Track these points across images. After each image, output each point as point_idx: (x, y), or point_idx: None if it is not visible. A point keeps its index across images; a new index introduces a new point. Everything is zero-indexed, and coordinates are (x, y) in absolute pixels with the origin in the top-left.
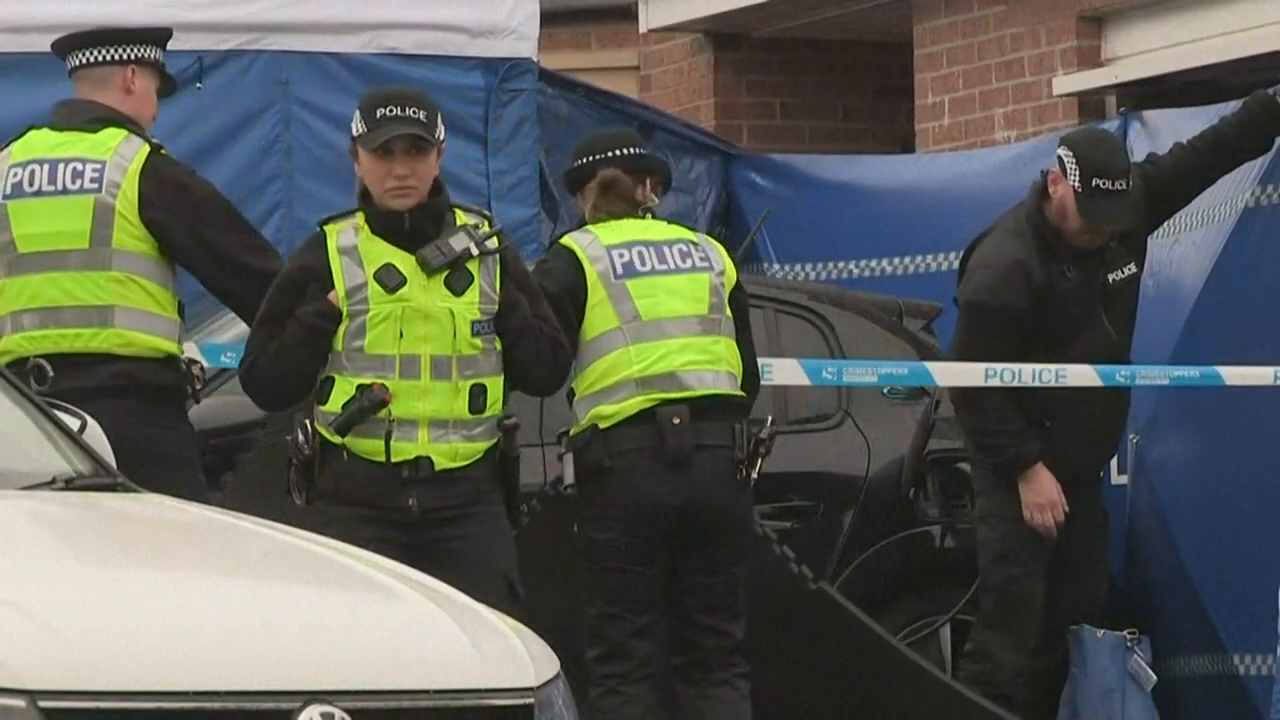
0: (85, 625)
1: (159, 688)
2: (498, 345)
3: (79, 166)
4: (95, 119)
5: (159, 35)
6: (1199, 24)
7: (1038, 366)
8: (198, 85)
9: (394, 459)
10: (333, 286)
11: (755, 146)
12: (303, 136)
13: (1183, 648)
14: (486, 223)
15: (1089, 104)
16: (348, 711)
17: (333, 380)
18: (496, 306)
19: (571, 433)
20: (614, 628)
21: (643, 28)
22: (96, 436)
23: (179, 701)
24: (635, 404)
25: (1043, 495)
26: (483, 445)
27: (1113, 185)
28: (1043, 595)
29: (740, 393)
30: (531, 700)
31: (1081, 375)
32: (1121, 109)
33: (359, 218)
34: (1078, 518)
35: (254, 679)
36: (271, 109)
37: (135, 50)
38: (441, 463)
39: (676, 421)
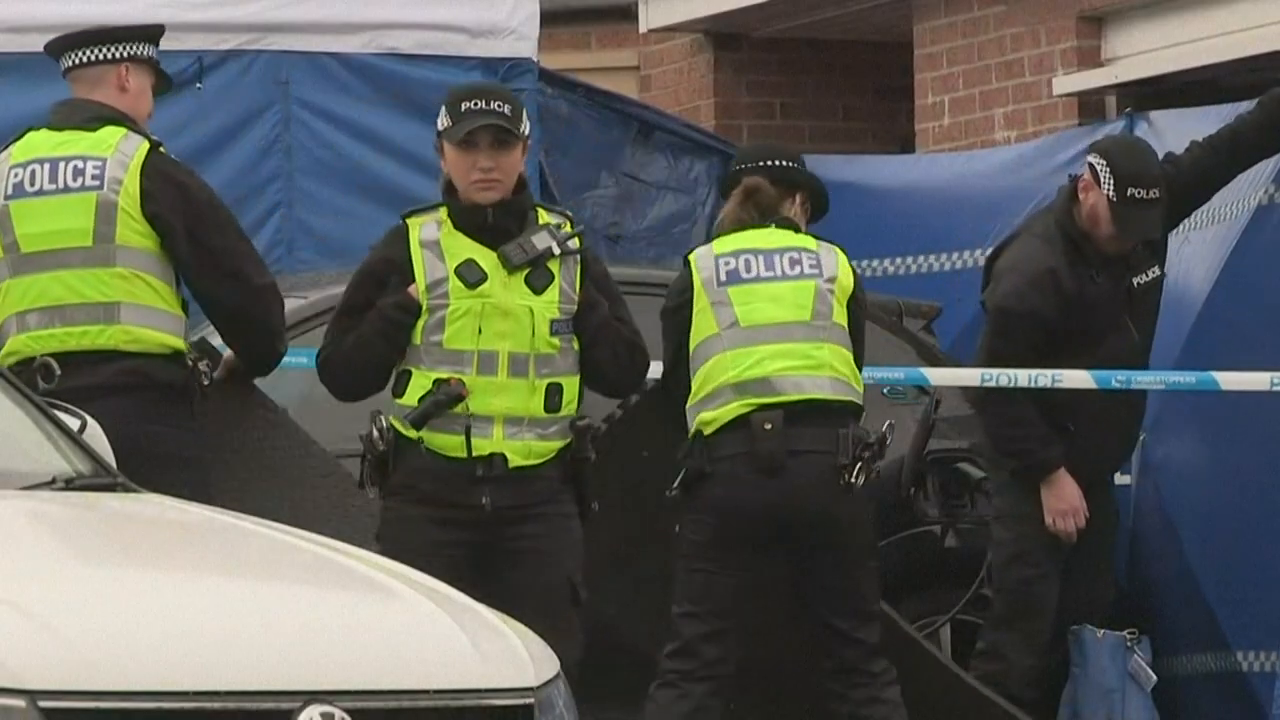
0: (85, 625)
1: (159, 688)
2: (575, 345)
3: (80, 164)
4: (93, 118)
5: (151, 32)
6: (1199, 24)
7: (1033, 371)
8: (198, 85)
9: (473, 454)
10: (413, 279)
11: None
12: (303, 136)
13: (1185, 645)
14: (568, 223)
15: (1089, 104)
16: (348, 711)
17: (409, 374)
18: (575, 306)
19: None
20: (689, 627)
21: (643, 28)
22: (96, 436)
23: (179, 701)
24: (732, 410)
25: (1065, 501)
26: (556, 445)
27: (1147, 194)
28: (1056, 597)
29: (847, 398)
30: (531, 700)
31: (1076, 379)
32: (1127, 110)
33: (442, 212)
34: (1090, 518)
35: (254, 679)
36: (271, 109)
37: (127, 48)
38: (515, 460)
39: (768, 427)
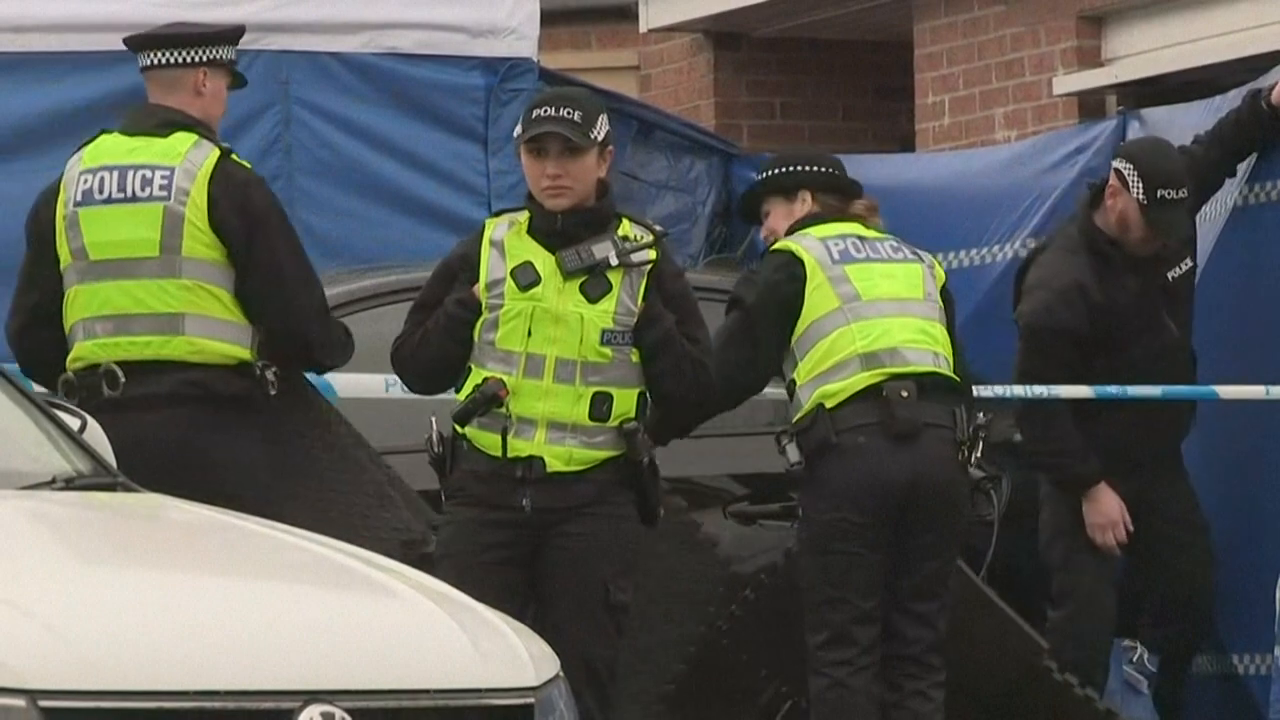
0: (85, 625)
1: (159, 687)
2: (634, 357)
3: (148, 174)
4: (164, 123)
5: (232, 35)
6: (1199, 24)
7: (1022, 387)
8: None
9: (509, 455)
10: (479, 278)
11: (755, 146)
12: (303, 136)
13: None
14: (651, 237)
15: (1089, 104)
16: (348, 711)
17: (470, 370)
18: (635, 319)
19: (795, 419)
20: (837, 613)
21: (643, 27)
22: (96, 436)
23: (179, 701)
24: (862, 380)
25: (1105, 515)
26: (603, 454)
27: (1176, 194)
28: (1113, 604)
29: (956, 378)
30: (531, 700)
31: (1075, 391)
32: (1120, 109)
33: (524, 214)
34: (1165, 505)
35: (254, 679)
36: (271, 109)
37: (208, 52)
38: (554, 465)
39: (904, 395)
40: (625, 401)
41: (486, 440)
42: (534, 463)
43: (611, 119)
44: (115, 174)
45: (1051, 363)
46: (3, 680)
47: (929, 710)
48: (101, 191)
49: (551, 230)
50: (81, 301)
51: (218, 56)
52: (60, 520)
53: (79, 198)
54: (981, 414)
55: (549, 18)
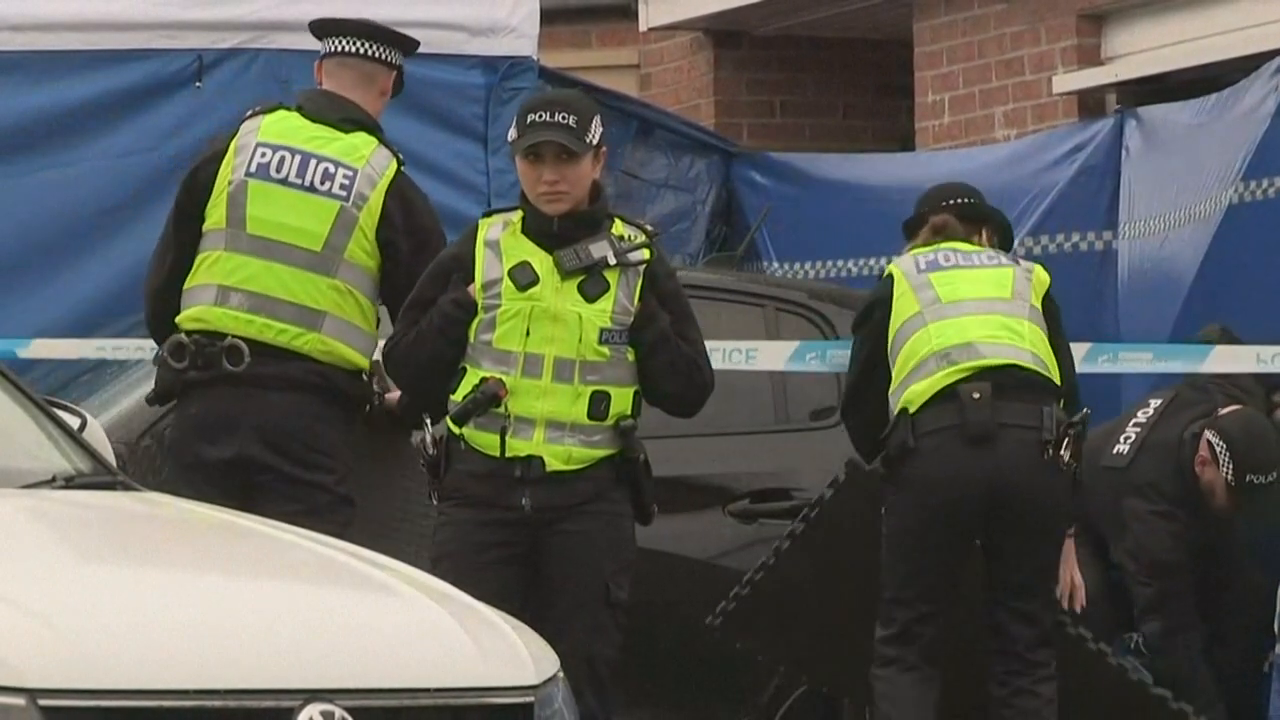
0: (85, 623)
1: (159, 686)
2: (630, 356)
3: (330, 168)
4: (347, 119)
5: (413, 45)
6: (1199, 22)
7: None
8: (197, 84)
9: (507, 455)
10: (474, 278)
11: (755, 144)
12: None
13: None
14: (644, 236)
15: (1089, 102)
16: (348, 710)
17: (464, 371)
18: (631, 318)
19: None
20: (902, 612)
21: (643, 26)
22: (96, 435)
23: (179, 700)
24: (938, 380)
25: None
26: (601, 452)
27: (1266, 479)
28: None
29: (1048, 375)
30: (531, 699)
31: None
32: (1118, 107)
33: (517, 214)
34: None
35: (254, 677)
36: None
37: (399, 55)
38: (553, 464)
39: (976, 397)
40: (622, 400)
41: (484, 440)
42: (533, 462)
43: (611, 118)
44: (297, 158)
45: (1184, 598)
46: (2, 679)
47: (1035, 706)
48: (279, 170)
49: (548, 233)
50: (223, 267)
51: (401, 63)
52: (60, 519)
53: (253, 169)
54: (1084, 409)
55: (549, 16)
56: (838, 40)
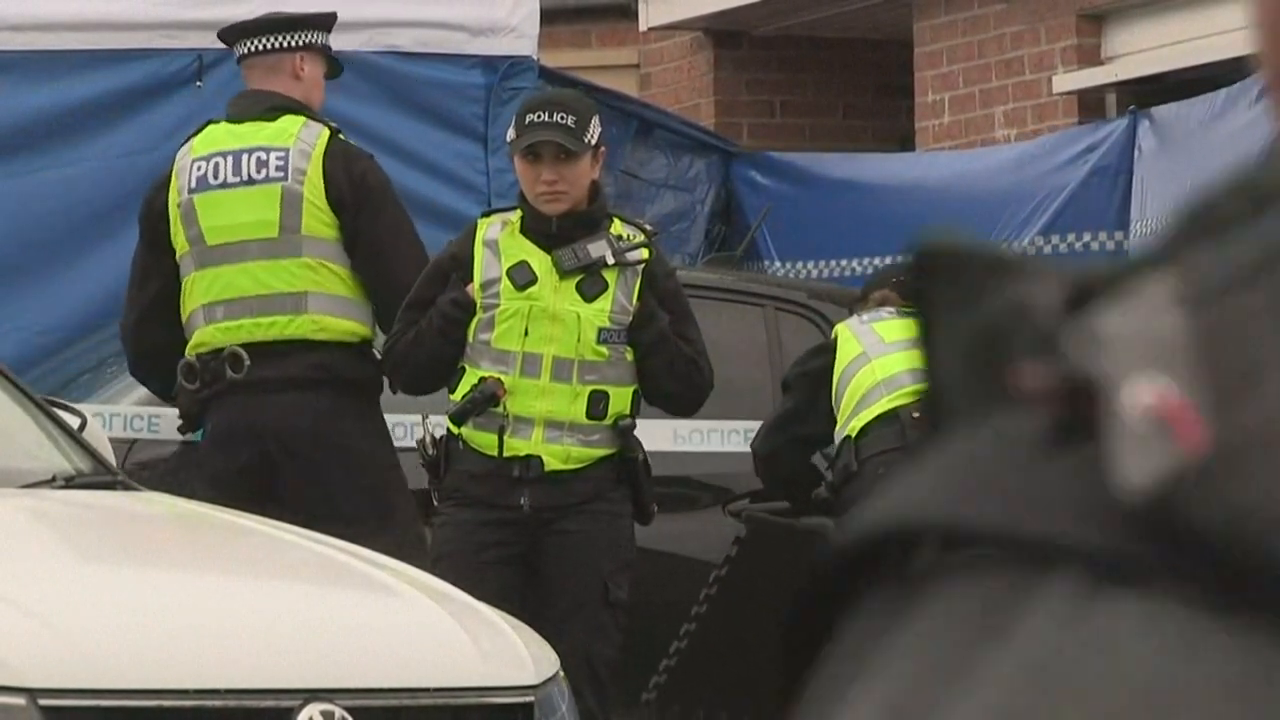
0: (85, 624)
1: (159, 686)
2: (629, 356)
3: (263, 155)
4: (271, 107)
5: (326, 21)
6: (1199, 22)
7: None
8: (197, 84)
9: (505, 454)
10: (473, 277)
11: (755, 144)
12: None
13: None
14: (643, 236)
15: (1089, 102)
16: (347, 710)
17: (464, 370)
18: (630, 317)
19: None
20: None
21: (643, 26)
22: (96, 435)
23: (179, 699)
24: (883, 404)
25: None
26: (600, 452)
27: None
28: None
29: None
30: (531, 699)
31: None
32: (1131, 108)
33: (515, 214)
34: None
35: (254, 677)
36: None
37: (303, 36)
38: (552, 464)
39: (916, 416)
40: (621, 400)
41: (483, 440)
42: (532, 462)
43: (611, 117)
44: (229, 159)
45: None
46: (3, 679)
47: None
48: (216, 177)
49: (547, 233)
50: (201, 287)
51: (313, 41)
52: (60, 519)
53: (193, 185)
54: None
55: (549, 16)
56: (838, 40)
